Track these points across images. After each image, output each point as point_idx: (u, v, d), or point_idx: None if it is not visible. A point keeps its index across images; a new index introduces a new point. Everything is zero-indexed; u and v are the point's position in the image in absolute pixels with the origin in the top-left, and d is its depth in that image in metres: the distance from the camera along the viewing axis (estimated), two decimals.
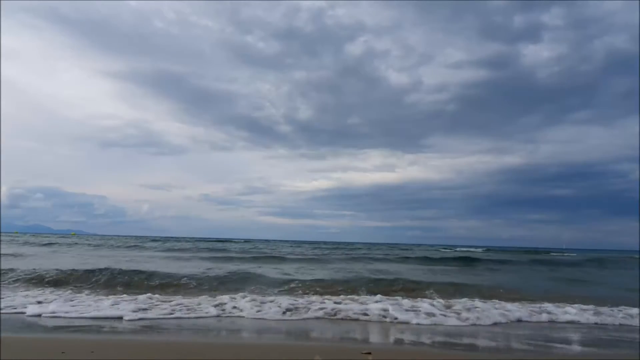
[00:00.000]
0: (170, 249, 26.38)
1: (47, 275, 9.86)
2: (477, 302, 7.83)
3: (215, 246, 32.13)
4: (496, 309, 7.30)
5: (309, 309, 6.86)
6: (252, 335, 5.44)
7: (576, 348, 5.20)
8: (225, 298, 7.54)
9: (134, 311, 6.25)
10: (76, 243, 31.44)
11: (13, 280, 9.51)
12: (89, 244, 30.27)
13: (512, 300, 8.47)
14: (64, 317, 5.94)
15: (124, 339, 4.89)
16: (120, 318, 5.91)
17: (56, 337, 4.90)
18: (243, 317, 6.41)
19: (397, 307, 7.04)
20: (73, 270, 10.51)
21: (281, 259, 19.15)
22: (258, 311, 6.63)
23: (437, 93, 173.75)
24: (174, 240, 53.67)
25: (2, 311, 6.18)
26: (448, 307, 7.38)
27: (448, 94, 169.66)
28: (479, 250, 45.64)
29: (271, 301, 7.38)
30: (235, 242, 51.56)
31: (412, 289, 9.58)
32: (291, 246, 40.46)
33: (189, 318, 6.15)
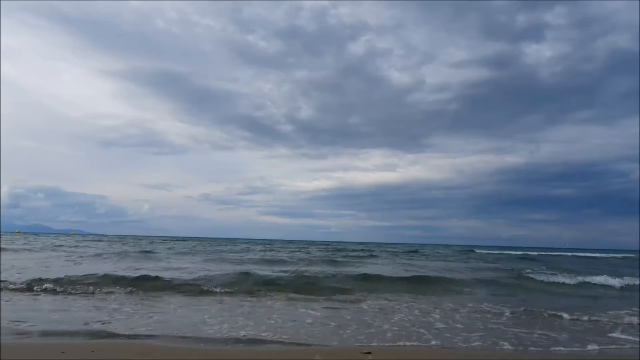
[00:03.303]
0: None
1: None
2: None
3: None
4: None
5: None
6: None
7: None
8: None
9: None
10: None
11: None
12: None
13: None
14: None
15: (124, 340, 4.89)
16: None
17: (56, 337, 4.92)
18: None
19: None
20: None
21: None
22: None
23: (438, 92, 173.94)
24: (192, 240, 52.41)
25: None
26: None
27: (450, 93, 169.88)
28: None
29: None
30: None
31: None
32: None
33: None
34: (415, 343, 5.13)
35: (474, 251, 42.28)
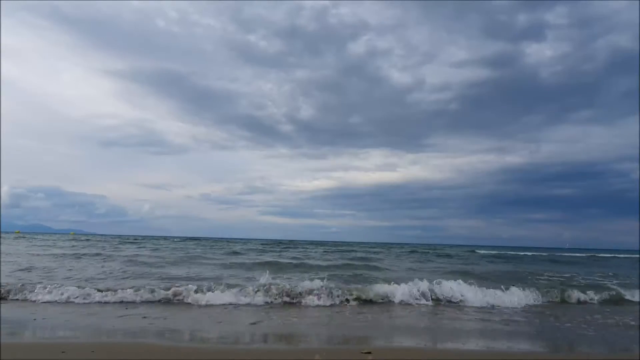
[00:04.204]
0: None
1: None
2: None
3: None
4: None
5: None
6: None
7: None
8: None
9: None
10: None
11: None
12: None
13: None
14: None
15: (124, 340, 4.89)
16: None
17: (57, 336, 4.92)
18: None
19: None
20: None
21: None
22: None
23: (439, 92, 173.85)
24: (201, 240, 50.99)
25: None
26: None
27: (450, 93, 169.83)
28: None
29: None
30: None
31: None
32: None
33: None
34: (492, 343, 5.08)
35: (474, 252, 41.83)
